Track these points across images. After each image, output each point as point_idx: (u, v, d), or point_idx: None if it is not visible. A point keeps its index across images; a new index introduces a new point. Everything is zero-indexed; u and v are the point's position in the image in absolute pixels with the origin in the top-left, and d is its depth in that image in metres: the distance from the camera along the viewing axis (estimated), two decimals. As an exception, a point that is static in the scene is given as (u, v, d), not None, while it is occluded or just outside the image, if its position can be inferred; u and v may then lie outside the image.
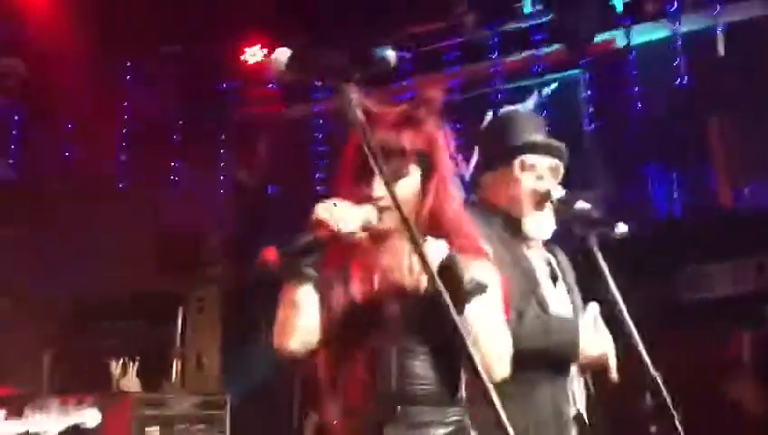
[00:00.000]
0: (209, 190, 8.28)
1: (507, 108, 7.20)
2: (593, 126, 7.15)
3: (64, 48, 7.09)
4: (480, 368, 1.61)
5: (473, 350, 1.64)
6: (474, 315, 1.81)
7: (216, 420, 5.58)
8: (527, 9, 7.46)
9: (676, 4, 6.86)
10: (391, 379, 1.89)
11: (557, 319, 2.50)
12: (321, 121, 8.17)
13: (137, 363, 5.68)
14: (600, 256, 2.42)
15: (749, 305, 5.71)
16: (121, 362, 5.66)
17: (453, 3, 7.28)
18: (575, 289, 2.67)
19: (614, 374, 2.47)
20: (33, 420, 4.57)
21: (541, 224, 2.59)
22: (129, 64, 8.08)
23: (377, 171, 1.80)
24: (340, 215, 1.86)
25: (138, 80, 8.11)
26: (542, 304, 2.51)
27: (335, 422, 1.94)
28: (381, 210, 1.94)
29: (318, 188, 7.71)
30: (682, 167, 6.80)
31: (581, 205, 2.53)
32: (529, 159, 2.60)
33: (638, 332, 2.29)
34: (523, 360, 2.03)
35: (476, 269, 1.89)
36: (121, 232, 7.25)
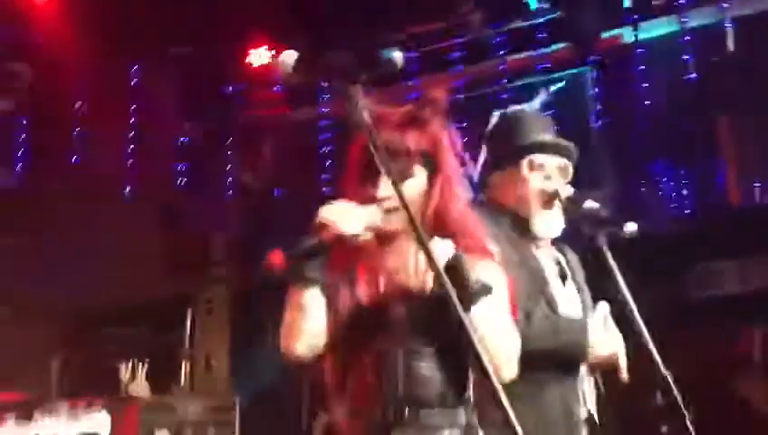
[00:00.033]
0: (215, 193, 8.29)
1: (514, 107, 7.19)
2: (601, 124, 7.12)
3: (70, 52, 7.10)
4: (488, 367, 1.60)
5: (480, 349, 1.62)
6: (480, 316, 1.80)
7: (226, 422, 5.58)
8: (533, 6, 7.43)
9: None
10: (398, 381, 1.89)
11: (566, 319, 2.49)
12: (326, 123, 8.16)
13: (145, 367, 5.68)
14: (609, 254, 2.40)
15: (759, 303, 5.68)
16: (130, 365, 5.66)
17: (458, 2, 7.26)
18: (585, 288, 2.65)
19: (624, 374, 2.45)
20: (43, 424, 4.58)
21: (549, 223, 2.58)
22: (134, 68, 8.10)
23: (384, 172, 1.79)
24: (345, 217, 1.86)
25: (143, 83, 8.12)
26: (551, 304, 2.49)
27: (343, 424, 1.93)
28: (386, 211, 1.93)
29: (324, 189, 7.71)
30: (691, 164, 6.77)
31: (590, 204, 2.52)
32: (537, 158, 2.59)
33: (648, 330, 2.28)
34: (532, 360, 2.02)
35: (482, 269, 1.88)
36: (128, 235, 7.26)
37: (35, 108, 7.76)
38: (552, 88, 7.36)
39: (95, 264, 6.97)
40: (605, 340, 2.46)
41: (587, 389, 2.52)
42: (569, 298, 2.57)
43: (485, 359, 1.61)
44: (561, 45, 7.29)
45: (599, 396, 2.56)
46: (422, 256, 1.79)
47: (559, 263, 2.62)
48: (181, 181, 8.26)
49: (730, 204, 6.65)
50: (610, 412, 2.58)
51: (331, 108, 8.00)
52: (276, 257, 1.80)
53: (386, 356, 1.90)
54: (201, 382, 7.04)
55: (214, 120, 8.29)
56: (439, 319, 1.80)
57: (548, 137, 2.64)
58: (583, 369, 2.51)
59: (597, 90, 7.22)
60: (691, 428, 2.14)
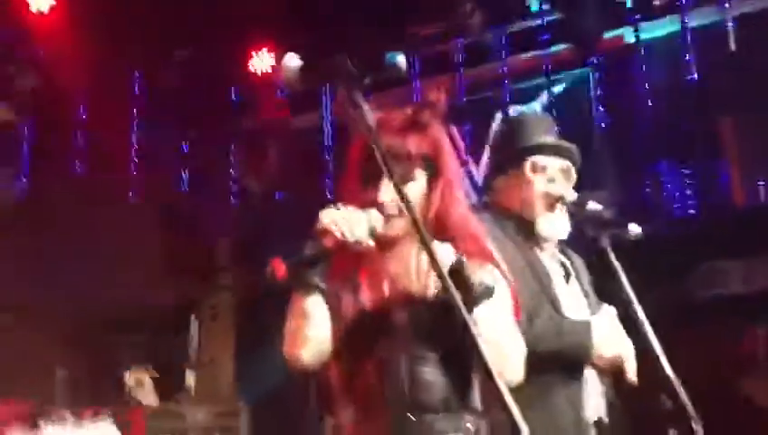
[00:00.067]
0: (219, 198, 8.30)
1: (515, 108, 7.19)
2: (603, 125, 7.11)
3: (73, 59, 7.11)
4: (493, 369, 1.58)
5: (485, 350, 1.61)
6: (483, 319, 1.79)
7: (232, 428, 5.58)
8: (534, 8, 7.43)
9: (684, -1, 6.83)
10: (402, 386, 1.88)
11: (570, 321, 2.48)
12: (328, 128, 8.17)
13: (151, 373, 5.68)
14: (613, 256, 2.40)
15: (764, 303, 5.67)
16: (135, 372, 5.66)
17: (459, 4, 7.26)
18: (590, 290, 2.65)
19: (632, 376, 2.44)
20: (48, 432, 4.58)
21: (554, 225, 2.58)
22: (137, 74, 8.12)
23: (388, 175, 1.78)
24: (346, 222, 1.85)
25: (147, 89, 8.13)
26: (556, 306, 2.49)
27: (349, 428, 1.93)
28: (388, 216, 1.93)
29: (327, 194, 7.71)
30: (694, 164, 6.76)
31: (593, 206, 2.51)
32: (540, 160, 2.59)
33: (654, 331, 2.27)
34: (537, 362, 2.02)
35: (484, 273, 1.88)
36: (132, 241, 7.27)
37: (38, 114, 7.79)
38: (554, 89, 7.35)
39: (99, 270, 6.98)
40: (610, 342, 2.45)
41: (596, 392, 2.51)
42: (574, 300, 2.56)
43: (490, 360, 1.60)
44: (562, 47, 7.28)
45: (607, 399, 2.56)
46: (424, 261, 1.78)
47: (563, 265, 2.62)
48: (184, 187, 8.27)
49: (734, 203, 6.64)
50: (618, 415, 2.57)
51: (333, 112, 8.00)
52: (278, 265, 1.79)
53: (389, 361, 1.89)
54: (206, 388, 7.04)
55: (217, 125, 8.29)
56: (442, 323, 1.80)
57: (550, 139, 2.64)
58: (593, 372, 2.50)
59: (599, 91, 7.21)
60: (699, 431, 2.13)
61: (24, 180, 7.92)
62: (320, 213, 1.86)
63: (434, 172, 2.00)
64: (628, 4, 7.06)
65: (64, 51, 7.10)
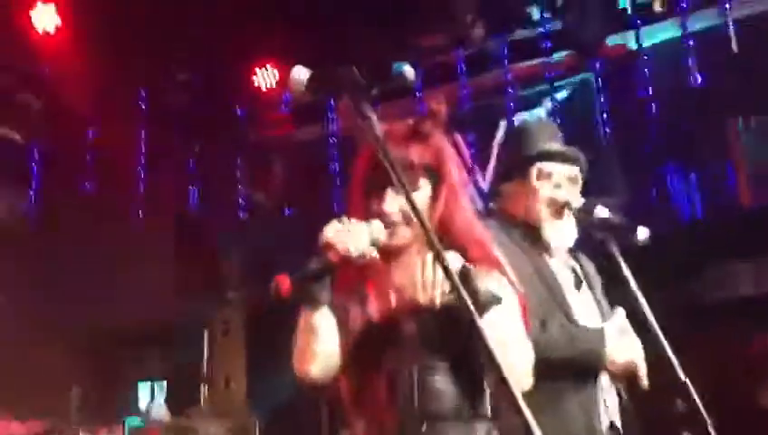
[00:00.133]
0: (228, 213, 8.33)
1: (519, 116, 7.20)
2: (608, 130, 7.12)
3: (80, 78, 7.16)
4: (505, 373, 1.57)
5: (497, 355, 1.60)
6: (489, 327, 1.79)
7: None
8: (536, 16, 7.45)
9: (685, 3, 6.84)
10: (413, 397, 1.88)
11: (582, 327, 2.48)
12: (334, 141, 8.19)
13: (164, 389, 5.69)
14: (622, 261, 2.40)
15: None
16: (149, 388, 5.67)
17: (462, 13, 7.28)
18: (602, 296, 2.65)
19: (644, 381, 2.44)
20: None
21: (561, 232, 2.58)
22: (143, 92, 8.16)
23: (398, 184, 1.78)
24: (348, 236, 1.85)
25: (153, 106, 8.17)
26: (567, 313, 2.49)
27: (363, 441, 1.93)
28: (393, 226, 1.94)
29: (334, 207, 7.72)
30: (700, 167, 6.75)
31: (601, 211, 2.51)
32: (546, 167, 2.59)
33: (665, 335, 2.27)
34: (550, 369, 2.02)
35: (490, 280, 1.88)
36: (142, 258, 7.29)
37: (47, 135, 7.83)
38: (558, 96, 7.37)
39: (109, 287, 7.01)
40: (623, 347, 2.45)
41: (609, 398, 2.50)
42: (585, 306, 2.56)
43: (502, 365, 1.59)
44: (564, 53, 7.30)
45: (621, 404, 2.55)
46: (430, 269, 1.79)
47: (574, 271, 2.62)
48: (193, 203, 8.30)
49: (741, 205, 6.62)
50: (631, 420, 2.56)
51: (338, 125, 8.03)
52: (283, 282, 1.80)
53: (399, 372, 1.90)
54: (220, 404, 7.04)
55: (222, 140, 8.32)
56: (450, 332, 1.80)
57: (556, 145, 2.64)
58: (605, 378, 2.49)
59: (602, 96, 7.22)
60: (713, 434, 2.13)
61: (34, 199, 7.96)
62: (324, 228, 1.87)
63: (437, 181, 2.00)
64: (629, 10, 7.08)
65: (70, 70, 7.15)
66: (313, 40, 7.04)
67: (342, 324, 1.95)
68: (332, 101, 7.72)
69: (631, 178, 6.66)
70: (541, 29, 7.37)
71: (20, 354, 6.37)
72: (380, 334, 1.92)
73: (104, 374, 6.81)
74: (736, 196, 6.64)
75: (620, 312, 2.50)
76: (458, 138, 7.00)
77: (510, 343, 1.85)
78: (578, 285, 2.59)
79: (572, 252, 2.66)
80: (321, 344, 1.93)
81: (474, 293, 1.75)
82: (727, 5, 6.64)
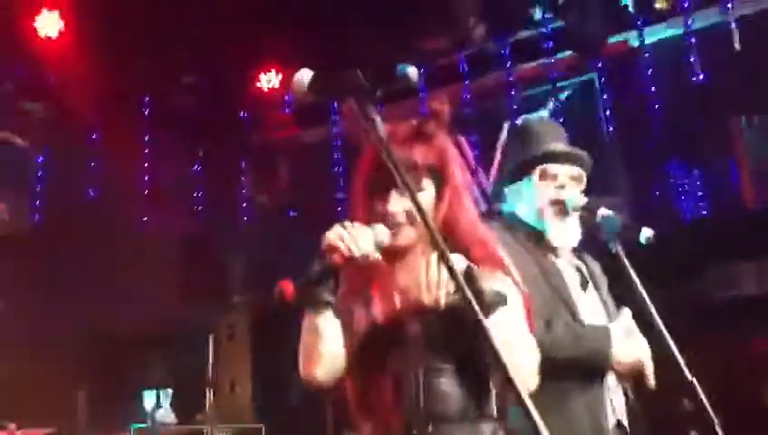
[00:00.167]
0: (232, 217, 8.33)
1: (523, 117, 7.19)
2: (611, 129, 7.11)
3: (83, 84, 7.17)
4: (511, 373, 1.56)
5: (503, 355, 1.59)
6: (494, 327, 1.78)
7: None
8: (537, 16, 7.45)
9: (687, 1, 6.83)
10: (419, 398, 1.87)
11: (588, 327, 2.48)
12: (338, 143, 8.19)
13: (169, 394, 5.69)
14: (626, 260, 2.39)
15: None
16: (155, 393, 5.67)
17: (464, 15, 7.28)
18: (608, 296, 2.64)
19: (651, 380, 2.43)
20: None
21: (565, 233, 2.57)
22: (147, 97, 8.17)
23: (403, 185, 1.77)
24: (351, 238, 1.85)
25: (156, 111, 8.18)
26: (573, 313, 2.48)
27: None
28: (397, 226, 1.93)
29: (338, 209, 7.72)
30: (703, 165, 6.74)
31: (605, 211, 2.51)
32: (550, 168, 2.59)
33: (670, 334, 2.26)
34: (556, 369, 2.02)
35: (495, 280, 1.88)
36: (147, 263, 7.30)
37: (51, 143, 7.84)
38: (561, 96, 7.36)
39: (114, 292, 7.01)
40: (629, 347, 2.45)
41: (616, 398, 2.50)
42: (591, 306, 2.55)
43: (508, 364, 1.58)
44: (567, 53, 7.29)
45: (628, 404, 2.54)
46: (434, 270, 1.78)
47: (580, 271, 2.61)
48: (198, 207, 8.30)
49: (745, 203, 6.61)
50: (638, 419, 2.56)
51: (342, 127, 8.03)
52: (286, 286, 1.80)
53: (404, 374, 1.89)
54: (225, 407, 7.05)
55: (226, 143, 8.33)
56: (455, 332, 1.80)
57: (559, 146, 2.64)
58: (612, 378, 2.49)
59: (605, 95, 7.22)
60: (720, 433, 2.12)
61: (38, 205, 7.98)
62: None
63: (441, 182, 2.00)
64: (631, 9, 7.07)
65: (74, 75, 7.16)
66: (316, 42, 7.05)
67: (347, 326, 1.94)
68: (336, 104, 7.72)
69: (634, 176, 6.66)
70: (543, 29, 7.37)
71: (25, 361, 6.39)
72: (385, 336, 1.92)
73: (109, 380, 6.82)
74: (739, 193, 6.64)
75: (627, 312, 2.49)
76: (462, 139, 7.00)
77: (515, 342, 1.84)
78: (584, 286, 2.58)
79: (577, 252, 2.65)
80: (326, 346, 1.93)
81: (479, 293, 1.74)
82: (729, 3, 6.64)
